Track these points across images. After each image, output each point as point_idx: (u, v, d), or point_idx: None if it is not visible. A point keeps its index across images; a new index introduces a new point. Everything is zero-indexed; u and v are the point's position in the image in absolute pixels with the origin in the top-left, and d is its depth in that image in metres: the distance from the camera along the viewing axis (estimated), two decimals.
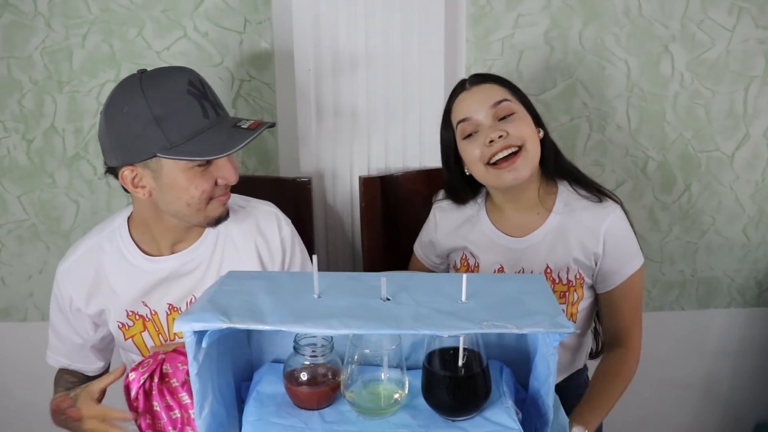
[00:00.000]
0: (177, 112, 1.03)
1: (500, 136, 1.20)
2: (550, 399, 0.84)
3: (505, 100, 1.23)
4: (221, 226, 1.19)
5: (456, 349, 0.82)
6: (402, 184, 1.60)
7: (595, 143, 1.69)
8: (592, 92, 1.65)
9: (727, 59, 1.65)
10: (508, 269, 1.30)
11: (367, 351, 0.84)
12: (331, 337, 0.89)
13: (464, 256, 1.36)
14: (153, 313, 1.19)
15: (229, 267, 1.20)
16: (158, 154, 1.03)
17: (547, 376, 0.83)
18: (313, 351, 0.88)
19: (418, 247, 1.48)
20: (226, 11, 1.54)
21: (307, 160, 1.59)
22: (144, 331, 1.20)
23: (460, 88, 1.28)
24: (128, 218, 1.21)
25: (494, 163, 1.22)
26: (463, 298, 0.83)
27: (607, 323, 1.33)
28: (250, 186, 1.55)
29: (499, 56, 1.61)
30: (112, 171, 1.11)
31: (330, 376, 0.88)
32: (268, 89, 1.60)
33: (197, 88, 1.06)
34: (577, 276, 1.27)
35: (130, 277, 1.18)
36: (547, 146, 1.28)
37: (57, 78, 1.56)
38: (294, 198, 1.54)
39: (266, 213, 1.26)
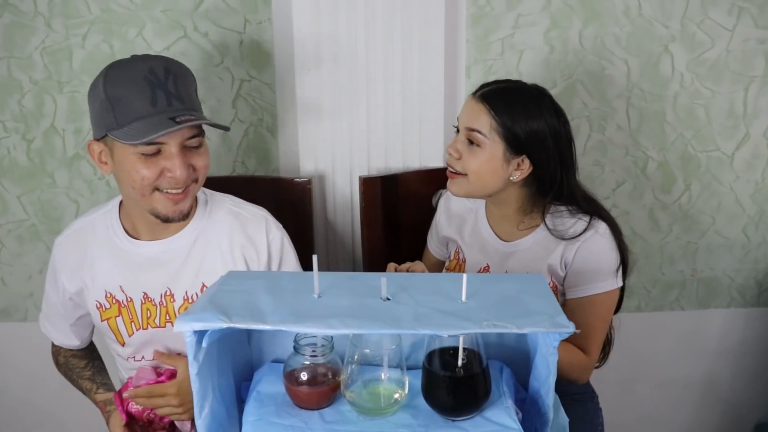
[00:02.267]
0: (126, 95, 1.06)
1: (451, 154, 1.26)
2: (550, 399, 0.84)
3: (478, 131, 1.22)
4: (203, 226, 1.22)
5: (456, 349, 0.82)
6: (402, 184, 1.59)
7: (595, 143, 1.69)
8: (592, 92, 1.65)
9: (727, 59, 1.65)
10: (494, 269, 1.33)
11: (367, 351, 0.84)
12: (331, 337, 0.89)
13: (457, 249, 1.40)
14: (128, 300, 1.21)
15: (210, 268, 1.21)
16: (108, 133, 1.07)
17: (547, 376, 0.83)
18: (313, 351, 0.88)
19: (429, 238, 1.52)
20: (226, 11, 1.54)
21: (307, 160, 1.59)
22: (119, 316, 1.22)
23: (479, 89, 1.27)
24: (120, 201, 1.25)
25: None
26: (463, 298, 0.83)
27: None
28: (250, 186, 1.56)
29: (499, 56, 1.61)
30: None
31: (330, 376, 0.88)
32: (268, 89, 1.60)
33: (158, 77, 1.07)
34: (551, 283, 1.28)
35: (113, 257, 1.21)
36: (536, 180, 1.25)
37: (57, 78, 1.56)
38: (294, 198, 1.54)
39: (255, 216, 1.26)
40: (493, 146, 1.22)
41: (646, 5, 1.60)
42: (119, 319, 1.22)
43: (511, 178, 1.24)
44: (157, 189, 1.11)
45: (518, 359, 0.94)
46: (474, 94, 1.27)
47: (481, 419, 0.84)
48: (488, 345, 0.86)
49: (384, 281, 0.84)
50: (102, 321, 1.23)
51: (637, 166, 1.72)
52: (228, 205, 1.26)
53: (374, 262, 1.57)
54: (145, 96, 1.06)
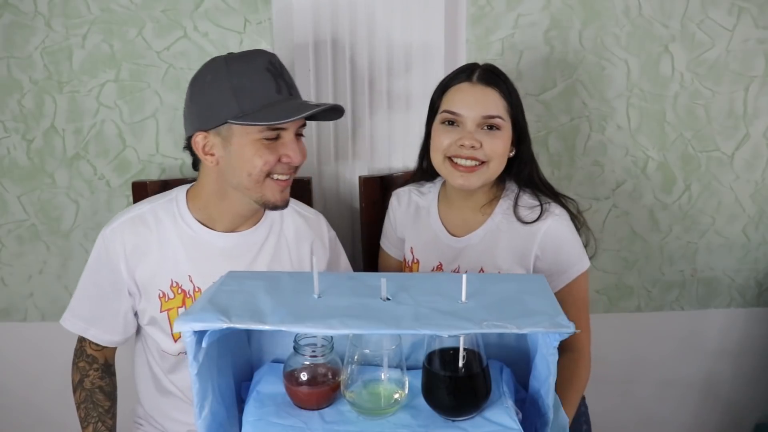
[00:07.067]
0: (253, 84, 1.11)
1: (473, 147, 1.21)
2: (550, 399, 0.84)
3: (498, 116, 1.22)
4: (276, 223, 1.27)
5: (456, 349, 0.82)
6: (402, 184, 1.59)
7: (595, 143, 1.69)
8: (592, 92, 1.65)
9: (727, 59, 1.65)
10: (446, 267, 1.32)
11: (367, 351, 0.84)
12: (331, 337, 0.89)
13: (411, 249, 1.39)
14: (196, 290, 1.21)
15: (279, 263, 1.25)
16: (229, 121, 1.10)
17: (547, 376, 0.83)
18: (313, 351, 0.88)
19: (383, 241, 1.49)
20: (226, 11, 1.54)
21: (308, 160, 1.59)
22: (182, 306, 1.21)
23: (467, 75, 1.25)
24: (188, 192, 1.24)
25: (453, 162, 1.24)
26: (463, 298, 0.83)
27: None
28: None
29: (499, 56, 1.61)
30: (189, 142, 1.19)
31: (330, 376, 0.88)
32: None
33: (276, 68, 1.14)
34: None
35: (184, 246, 1.20)
36: (519, 161, 1.28)
37: (57, 78, 1.56)
38: (294, 198, 1.53)
39: (315, 215, 1.34)
40: (508, 127, 1.24)
41: (646, 5, 1.60)
42: (181, 310, 1.21)
43: (510, 154, 1.27)
44: (269, 175, 1.15)
45: (518, 359, 0.94)
46: (470, 78, 1.24)
47: (481, 419, 0.84)
48: (488, 345, 0.86)
49: (384, 281, 0.84)
50: (161, 312, 1.21)
51: (637, 166, 1.72)
52: (291, 204, 1.30)
53: (374, 262, 1.57)
54: (270, 85, 1.12)
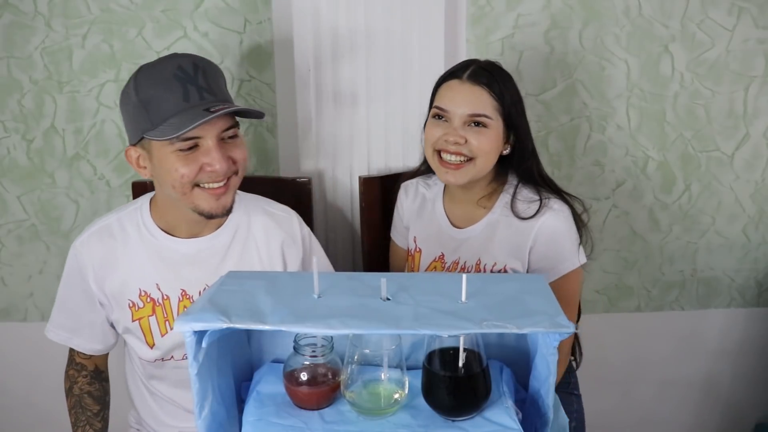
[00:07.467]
0: (158, 95, 1.06)
1: (457, 142, 1.23)
2: (550, 399, 0.84)
3: (484, 115, 1.23)
4: (242, 224, 1.24)
5: (456, 349, 0.82)
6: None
7: (595, 143, 1.69)
8: (592, 92, 1.65)
9: (727, 59, 1.65)
10: (448, 258, 1.34)
11: (367, 351, 0.84)
12: (331, 337, 0.89)
13: (414, 238, 1.41)
14: (165, 297, 1.20)
15: (248, 265, 1.23)
16: (144, 135, 1.08)
17: (547, 376, 0.83)
18: (313, 351, 0.88)
19: (393, 233, 1.51)
20: (226, 11, 1.54)
21: (307, 160, 1.59)
22: (152, 315, 1.20)
23: (460, 72, 1.26)
24: (151, 200, 1.23)
25: (441, 157, 1.27)
26: (463, 298, 0.83)
27: None
28: (250, 186, 1.55)
29: (499, 56, 1.61)
30: None
31: (330, 376, 0.88)
32: (268, 89, 1.60)
33: (187, 73, 1.08)
34: (502, 271, 1.28)
35: (149, 255, 1.19)
36: (518, 156, 1.29)
37: (57, 78, 1.56)
38: (294, 198, 1.54)
39: (287, 213, 1.30)
40: (497, 125, 1.24)
41: (646, 5, 1.60)
42: (152, 319, 1.20)
43: (503, 152, 1.28)
44: (197, 185, 1.10)
45: (518, 359, 0.94)
46: (460, 75, 1.25)
47: (481, 419, 0.84)
48: (488, 345, 0.86)
49: (384, 281, 0.84)
50: (133, 321, 1.20)
51: (637, 166, 1.72)
52: (261, 204, 1.28)
53: (374, 262, 1.57)
54: (177, 93, 1.06)
